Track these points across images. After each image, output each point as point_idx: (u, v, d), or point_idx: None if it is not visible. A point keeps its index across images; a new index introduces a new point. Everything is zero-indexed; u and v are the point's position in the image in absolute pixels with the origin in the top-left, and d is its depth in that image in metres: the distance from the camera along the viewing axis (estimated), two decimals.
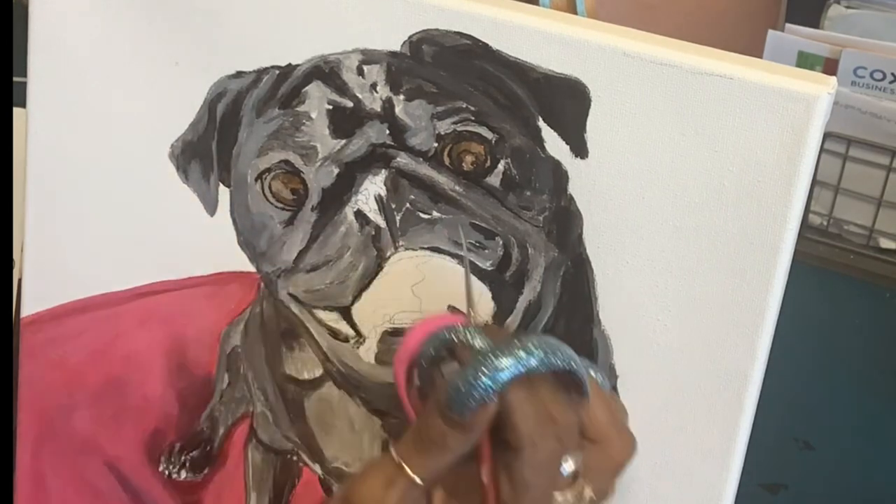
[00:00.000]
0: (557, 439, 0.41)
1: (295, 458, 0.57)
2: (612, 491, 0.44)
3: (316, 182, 0.51)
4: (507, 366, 0.40)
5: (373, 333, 0.52)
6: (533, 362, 0.40)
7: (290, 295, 0.53)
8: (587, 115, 0.46)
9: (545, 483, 0.41)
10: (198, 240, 0.55)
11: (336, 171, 0.50)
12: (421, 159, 0.49)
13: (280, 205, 0.52)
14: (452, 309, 0.49)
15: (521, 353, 0.40)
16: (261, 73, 0.52)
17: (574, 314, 0.50)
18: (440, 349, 0.44)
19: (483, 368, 0.40)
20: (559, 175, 0.48)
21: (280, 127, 0.51)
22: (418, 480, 0.42)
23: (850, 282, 0.94)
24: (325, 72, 0.50)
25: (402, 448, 0.43)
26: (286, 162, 0.51)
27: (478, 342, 0.43)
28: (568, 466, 0.42)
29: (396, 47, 0.49)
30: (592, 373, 0.45)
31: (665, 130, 0.45)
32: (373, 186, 0.50)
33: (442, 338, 0.44)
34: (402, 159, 0.49)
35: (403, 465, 0.42)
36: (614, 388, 0.50)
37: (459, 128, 0.49)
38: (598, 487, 0.43)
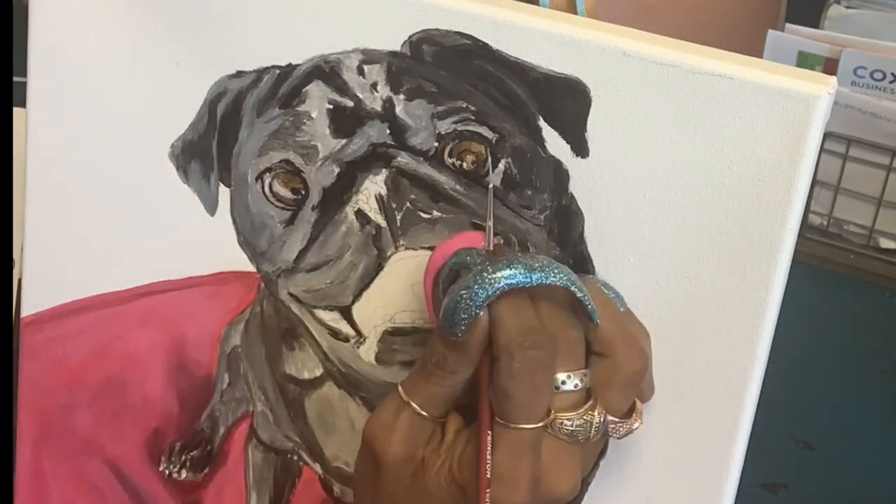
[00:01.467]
0: (540, 350, 0.41)
1: (295, 457, 0.57)
2: (628, 407, 0.44)
3: (316, 181, 0.51)
4: (491, 281, 0.41)
5: (373, 333, 0.52)
6: (518, 278, 0.41)
7: (291, 294, 0.53)
8: (588, 114, 0.47)
9: (527, 393, 0.41)
10: (198, 240, 0.55)
11: (336, 170, 0.50)
12: (421, 159, 0.49)
13: (280, 204, 0.52)
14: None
15: (506, 270, 0.41)
16: (261, 72, 0.52)
17: None
18: (455, 270, 0.44)
19: (469, 285, 0.41)
20: (560, 174, 0.48)
21: (280, 126, 0.52)
22: (421, 411, 0.43)
23: (850, 282, 0.95)
24: (326, 71, 0.50)
25: (408, 379, 0.44)
26: (287, 161, 0.51)
27: (476, 261, 0.43)
28: (570, 383, 0.42)
29: (396, 47, 0.49)
30: (605, 291, 0.46)
31: (665, 130, 0.45)
32: (373, 186, 0.50)
33: (456, 258, 0.44)
34: (403, 159, 0.49)
35: (405, 396, 0.43)
36: None
37: (460, 127, 0.49)
38: (611, 403, 0.43)
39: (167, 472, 0.58)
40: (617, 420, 0.44)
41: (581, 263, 0.49)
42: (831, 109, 0.43)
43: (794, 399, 0.96)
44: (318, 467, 0.56)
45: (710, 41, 0.46)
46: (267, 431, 0.57)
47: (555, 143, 0.48)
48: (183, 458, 0.58)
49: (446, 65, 0.49)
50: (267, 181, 0.52)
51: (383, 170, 0.50)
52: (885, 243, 0.95)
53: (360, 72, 0.50)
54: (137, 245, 0.57)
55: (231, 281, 0.55)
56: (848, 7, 0.95)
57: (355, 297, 0.51)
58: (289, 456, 0.57)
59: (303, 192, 0.51)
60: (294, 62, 0.51)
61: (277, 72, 0.52)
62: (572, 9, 0.93)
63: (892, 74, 0.90)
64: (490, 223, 0.46)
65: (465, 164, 0.49)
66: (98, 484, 0.59)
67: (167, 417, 0.58)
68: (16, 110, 0.57)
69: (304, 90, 0.51)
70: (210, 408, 0.58)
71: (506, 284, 0.41)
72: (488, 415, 0.42)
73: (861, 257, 0.95)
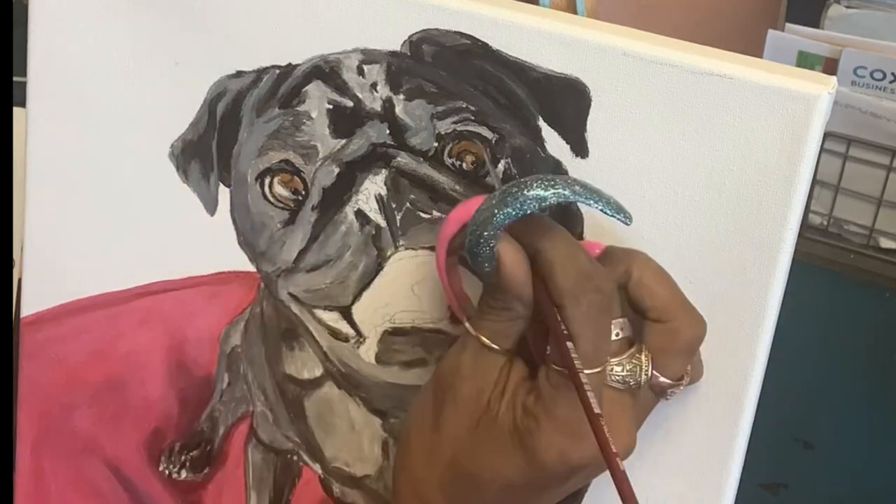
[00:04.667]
0: (601, 294, 0.42)
1: (295, 457, 0.57)
2: (684, 372, 0.45)
3: (316, 181, 0.51)
4: (504, 203, 0.41)
5: (373, 333, 0.52)
6: (529, 200, 0.41)
7: (290, 295, 0.53)
8: (587, 114, 0.46)
9: (594, 337, 0.42)
10: (198, 240, 0.55)
11: (336, 170, 0.50)
12: (421, 159, 0.49)
13: (280, 204, 0.52)
14: None
15: (519, 193, 0.41)
16: (261, 72, 0.52)
17: None
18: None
19: (485, 210, 0.41)
20: (559, 174, 0.48)
21: (280, 126, 0.52)
22: (488, 342, 0.44)
23: (850, 282, 0.95)
24: (326, 71, 0.50)
25: (473, 317, 0.45)
26: (286, 161, 0.51)
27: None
28: (613, 331, 0.43)
29: (396, 47, 0.49)
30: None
31: (665, 130, 0.45)
32: (373, 186, 0.50)
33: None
34: (403, 159, 0.49)
35: (473, 331, 0.44)
36: None
37: (459, 127, 0.49)
38: (668, 368, 0.44)
39: (167, 472, 0.58)
40: (671, 383, 0.44)
41: None
42: (831, 109, 0.43)
43: (794, 399, 0.96)
44: (317, 467, 0.56)
45: (709, 41, 0.46)
46: (267, 431, 0.57)
47: (554, 144, 0.48)
48: (183, 458, 0.58)
49: (446, 65, 0.49)
50: (267, 181, 0.52)
51: (383, 170, 0.50)
52: (885, 243, 0.95)
53: (360, 72, 0.50)
54: (138, 245, 0.57)
55: (231, 281, 0.55)
56: (848, 7, 0.95)
57: (355, 297, 0.51)
58: (288, 456, 0.57)
59: (303, 193, 0.51)
60: (294, 62, 0.51)
61: (277, 72, 0.52)
62: (572, 9, 0.93)
63: (892, 74, 0.90)
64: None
65: (464, 165, 0.49)
66: (98, 484, 0.59)
67: (167, 417, 0.58)
68: (16, 110, 0.57)
69: (303, 90, 0.51)
70: (210, 408, 0.58)
71: (515, 212, 0.41)
72: (569, 357, 0.42)
73: (861, 257, 0.95)
